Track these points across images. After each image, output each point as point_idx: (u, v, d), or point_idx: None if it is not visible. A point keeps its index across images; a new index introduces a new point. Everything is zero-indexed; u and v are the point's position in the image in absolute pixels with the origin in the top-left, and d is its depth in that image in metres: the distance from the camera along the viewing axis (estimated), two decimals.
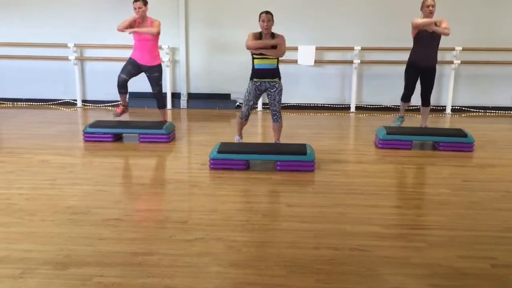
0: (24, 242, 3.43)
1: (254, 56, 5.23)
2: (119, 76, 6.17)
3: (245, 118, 5.51)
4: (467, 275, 3.03)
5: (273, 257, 3.24)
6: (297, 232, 3.62)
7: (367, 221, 3.81)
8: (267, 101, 5.99)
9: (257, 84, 5.31)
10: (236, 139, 5.67)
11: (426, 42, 5.96)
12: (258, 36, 5.21)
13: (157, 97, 6.36)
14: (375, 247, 3.37)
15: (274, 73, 5.28)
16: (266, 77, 5.27)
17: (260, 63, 5.23)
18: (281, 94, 5.36)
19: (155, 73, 6.18)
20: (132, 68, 6.16)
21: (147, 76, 6.21)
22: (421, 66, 6.06)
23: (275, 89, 5.30)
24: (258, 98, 5.48)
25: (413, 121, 7.33)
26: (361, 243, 3.44)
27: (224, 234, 3.56)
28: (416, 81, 6.21)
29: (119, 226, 3.69)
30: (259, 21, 5.17)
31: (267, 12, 5.16)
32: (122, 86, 6.24)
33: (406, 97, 6.32)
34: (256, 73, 5.29)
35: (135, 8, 6.01)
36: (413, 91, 6.27)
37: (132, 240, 3.50)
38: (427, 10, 5.87)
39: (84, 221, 3.77)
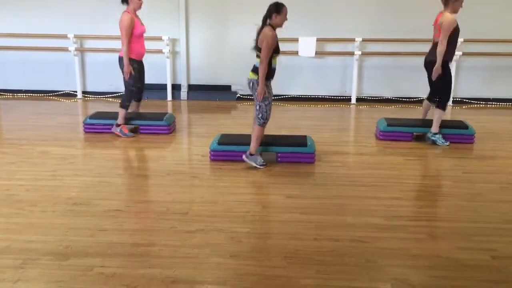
0: (25, 232, 3.44)
1: (274, 55, 4.63)
2: (133, 91, 5.93)
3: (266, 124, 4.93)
4: (467, 267, 3.04)
5: (273, 248, 3.24)
6: (297, 224, 3.62)
7: (367, 213, 3.82)
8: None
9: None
10: (259, 162, 4.89)
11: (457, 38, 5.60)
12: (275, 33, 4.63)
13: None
14: (376, 239, 3.38)
15: None
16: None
17: (274, 63, 4.70)
18: None
19: (143, 65, 6.05)
20: (141, 75, 5.99)
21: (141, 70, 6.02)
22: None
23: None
24: None
25: (415, 112, 7.33)
26: (362, 234, 3.44)
27: (224, 225, 3.56)
28: None
29: (120, 217, 3.69)
30: (279, 14, 4.56)
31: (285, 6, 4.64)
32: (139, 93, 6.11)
33: (449, 99, 5.88)
34: (273, 74, 4.73)
35: (138, 0, 5.75)
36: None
37: (133, 231, 3.51)
38: (460, 6, 5.41)
39: (85, 212, 3.78)
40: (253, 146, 4.88)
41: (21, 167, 4.84)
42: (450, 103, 8.23)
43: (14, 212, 3.78)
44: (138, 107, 6.30)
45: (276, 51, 4.65)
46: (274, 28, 4.64)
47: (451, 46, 5.53)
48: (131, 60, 5.79)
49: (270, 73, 4.69)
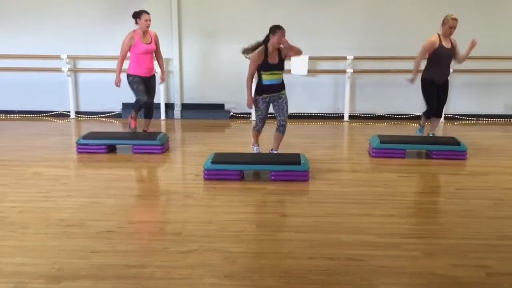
0: (17, 255, 3.40)
1: (262, 72, 5.25)
2: (140, 100, 6.20)
3: (259, 131, 5.64)
4: (462, 284, 3.03)
5: (268, 268, 3.23)
6: (292, 243, 3.61)
7: (362, 231, 3.81)
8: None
9: (267, 99, 5.39)
10: (254, 149, 5.73)
11: (444, 60, 6.05)
12: (264, 52, 5.20)
13: (152, 106, 6.44)
14: (370, 257, 3.37)
15: (281, 87, 5.43)
16: (274, 92, 5.37)
17: (268, 79, 5.29)
18: (287, 104, 5.47)
19: (154, 81, 6.41)
20: (145, 87, 6.24)
21: (146, 85, 6.30)
22: (440, 83, 6.10)
23: (282, 99, 5.41)
24: (268, 111, 5.54)
25: (407, 129, 7.37)
26: (356, 252, 3.43)
27: (218, 245, 3.54)
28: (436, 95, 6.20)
29: (113, 239, 3.66)
30: (273, 35, 5.15)
31: (282, 28, 5.20)
32: (146, 108, 6.37)
33: (431, 112, 6.23)
34: (266, 89, 5.33)
35: (146, 20, 6.04)
36: (436, 105, 6.21)
37: (126, 253, 3.48)
38: (448, 30, 5.93)
39: (77, 234, 3.74)
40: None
41: (13, 188, 4.81)
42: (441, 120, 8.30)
43: (6, 235, 3.74)
44: (148, 125, 6.54)
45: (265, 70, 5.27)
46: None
47: (433, 67, 6.05)
48: (131, 75, 6.17)
49: (260, 89, 5.35)
